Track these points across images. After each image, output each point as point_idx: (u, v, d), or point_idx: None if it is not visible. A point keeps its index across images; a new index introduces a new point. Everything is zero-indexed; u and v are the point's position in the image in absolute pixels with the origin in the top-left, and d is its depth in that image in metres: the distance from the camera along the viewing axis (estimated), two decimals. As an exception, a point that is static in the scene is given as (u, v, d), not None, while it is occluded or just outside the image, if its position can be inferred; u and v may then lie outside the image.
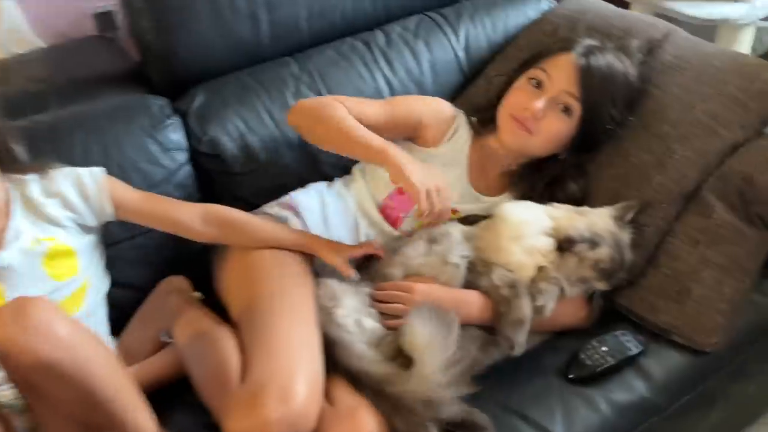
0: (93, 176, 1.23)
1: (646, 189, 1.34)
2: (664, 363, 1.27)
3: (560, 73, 1.35)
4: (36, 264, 1.16)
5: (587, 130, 1.37)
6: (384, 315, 1.25)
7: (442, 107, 1.47)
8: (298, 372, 1.07)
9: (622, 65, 1.37)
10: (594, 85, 1.34)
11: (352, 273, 1.28)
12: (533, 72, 1.39)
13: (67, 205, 1.20)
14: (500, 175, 1.46)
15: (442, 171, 1.40)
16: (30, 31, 1.83)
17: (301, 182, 1.53)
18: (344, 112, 1.33)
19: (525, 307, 1.23)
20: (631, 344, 1.26)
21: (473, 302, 1.26)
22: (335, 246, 1.32)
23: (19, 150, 1.19)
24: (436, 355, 1.11)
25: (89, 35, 1.83)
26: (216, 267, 1.38)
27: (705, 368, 1.29)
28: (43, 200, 1.19)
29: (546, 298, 1.25)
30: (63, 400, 1.00)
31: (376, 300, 1.27)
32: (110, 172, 1.35)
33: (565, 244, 1.26)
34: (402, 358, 1.17)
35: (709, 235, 1.31)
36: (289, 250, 1.31)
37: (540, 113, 1.34)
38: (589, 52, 1.36)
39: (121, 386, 1.05)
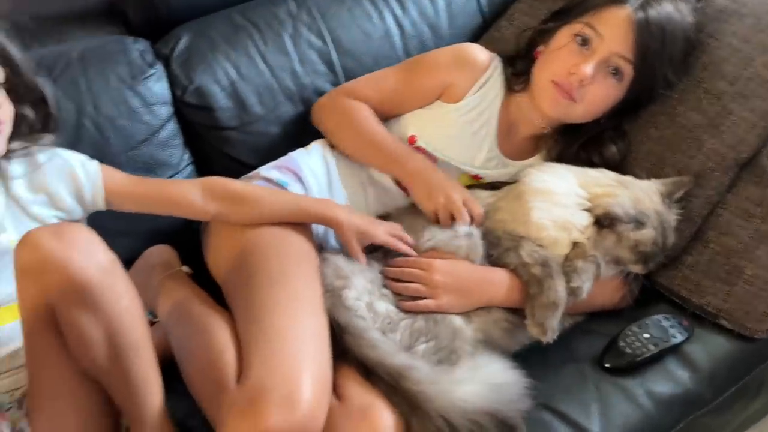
0: (87, 173, 1.08)
1: (696, 154, 1.19)
2: (709, 351, 1.14)
3: (613, 32, 1.16)
4: None
5: (637, 94, 1.20)
6: (399, 296, 1.11)
7: (474, 56, 1.28)
8: (303, 371, 0.93)
9: (681, 16, 1.18)
10: (652, 46, 1.15)
11: (364, 261, 1.12)
12: (578, 27, 1.19)
13: (55, 204, 1.07)
14: (530, 137, 1.29)
15: (466, 127, 1.25)
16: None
17: (302, 138, 1.36)
18: (366, 118, 1.24)
19: (559, 289, 1.09)
20: (675, 330, 1.13)
21: (500, 282, 1.11)
22: (364, 226, 1.12)
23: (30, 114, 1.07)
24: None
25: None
26: (205, 238, 1.22)
27: (755, 356, 1.17)
28: (29, 197, 1.05)
29: (583, 278, 1.11)
30: (87, 337, 0.90)
31: (389, 278, 1.12)
32: (85, 132, 1.19)
33: (605, 221, 1.10)
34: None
35: (766, 207, 1.16)
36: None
37: (588, 80, 1.16)
38: (646, 4, 1.15)
39: (145, 344, 0.95)
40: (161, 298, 1.15)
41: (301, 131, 1.37)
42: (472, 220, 1.16)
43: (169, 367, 1.07)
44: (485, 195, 1.21)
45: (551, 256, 1.11)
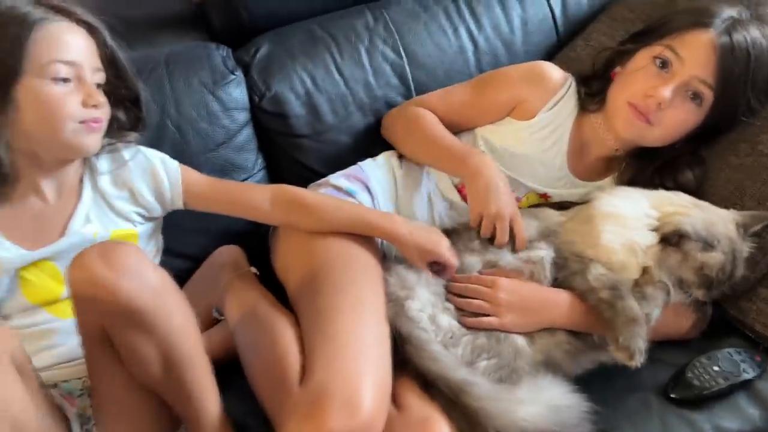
0: (168, 172, 1.13)
1: (778, 184, 1.15)
2: (783, 389, 1.09)
3: (695, 55, 1.14)
4: None
5: (716, 120, 1.17)
6: (461, 311, 1.11)
7: (548, 73, 1.27)
8: (364, 377, 0.95)
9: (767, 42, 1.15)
10: (735, 72, 1.13)
11: (431, 275, 1.12)
12: (658, 50, 1.17)
13: (136, 201, 1.12)
14: (602, 158, 1.27)
15: (537, 145, 1.24)
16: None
17: (371, 149, 1.38)
18: (432, 123, 1.25)
19: (634, 306, 1.06)
20: (747, 365, 1.09)
21: (563, 304, 1.10)
22: (427, 244, 1.12)
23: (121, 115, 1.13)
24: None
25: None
26: (274, 242, 1.25)
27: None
28: (113, 192, 1.11)
29: (652, 304, 1.08)
30: (141, 355, 0.93)
31: (452, 293, 1.12)
32: (166, 133, 1.24)
33: (673, 238, 1.08)
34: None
35: None
36: None
37: (666, 103, 1.14)
38: (731, 28, 1.13)
39: (198, 353, 0.97)
40: (229, 297, 1.18)
41: (370, 142, 1.39)
42: (513, 244, 1.14)
43: (233, 364, 1.10)
44: (553, 215, 1.20)
45: (620, 281, 1.09)
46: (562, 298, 1.11)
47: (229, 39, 1.39)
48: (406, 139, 1.30)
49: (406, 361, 1.04)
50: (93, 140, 1.05)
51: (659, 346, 1.15)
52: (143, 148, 1.14)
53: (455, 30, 1.45)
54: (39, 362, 1.04)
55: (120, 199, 1.11)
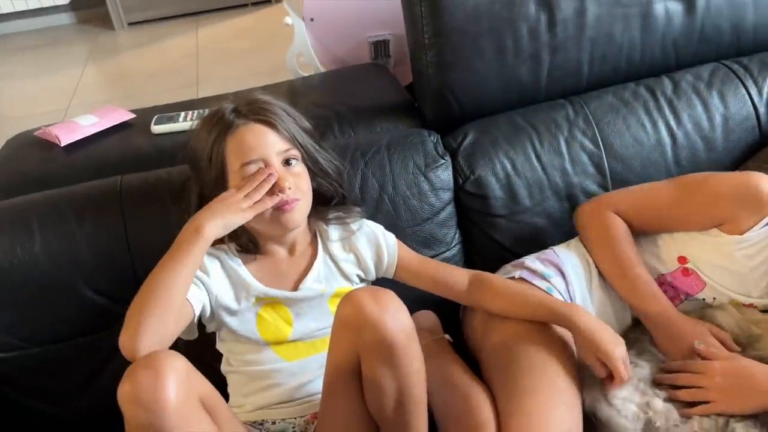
0: (388, 245, 1.28)
1: None
2: None
3: None
4: (323, 302, 1.24)
5: None
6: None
7: (763, 192, 1.17)
8: None
9: None
10: None
11: (601, 373, 1.13)
12: None
13: (360, 265, 1.28)
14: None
15: (743, 261, 1.21)
16: (313, 56, 1.97)
17: (561, 233, 1.46)
18: (625, 246, 1.25)
19: None
20: None
21: None
22: (600, 343, 1.13)
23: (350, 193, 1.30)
24: None
25: (364, 63, 1.92)
26: (467, 316, 1.35)
27: None
28: (342, 256, 1.26)
29: None
30: (382, 388, 1.03)
31: (665, 382, 1.14)
32: (382, 207, 1.40)
33: None
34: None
35: None
36: None
37: None
38: None
39: (424, 401, 1.07)
40: (427, 361, 1.28)
41: (563, 225, 1.46)
42: None
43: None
44: (757, 317, 1.18)
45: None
46: None
47: (438, 125, 1.55)
48: (594, 246, 1.31)
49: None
50: (291, 217, 1.16)
51: None
52: (367, 221, 1.31)
53: (654, 124, 1.51)
54: (258, 400, 1.21)
55: (347, 262, 1.26)
